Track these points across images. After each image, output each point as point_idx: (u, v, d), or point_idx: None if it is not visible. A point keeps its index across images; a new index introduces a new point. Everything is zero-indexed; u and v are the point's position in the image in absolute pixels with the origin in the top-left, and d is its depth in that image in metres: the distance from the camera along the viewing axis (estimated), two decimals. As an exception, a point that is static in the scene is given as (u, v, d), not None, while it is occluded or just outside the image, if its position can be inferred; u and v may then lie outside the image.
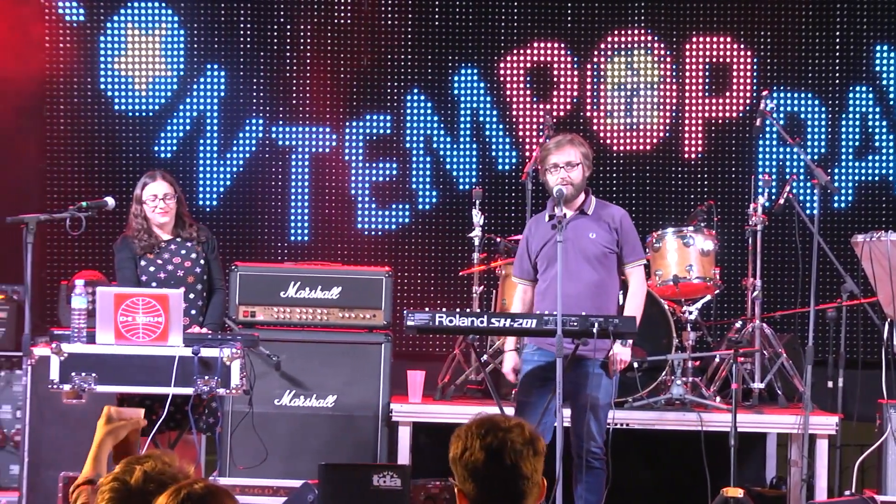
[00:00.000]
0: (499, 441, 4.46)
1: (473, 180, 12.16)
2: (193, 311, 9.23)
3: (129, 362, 8.50)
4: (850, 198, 11.98)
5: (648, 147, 12.45)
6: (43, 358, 8.72)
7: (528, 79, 12.48)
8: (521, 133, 12.40)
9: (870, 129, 12.34)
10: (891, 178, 12.14)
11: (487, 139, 12.52)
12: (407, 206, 12.60)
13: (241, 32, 12.69)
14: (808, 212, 10.02)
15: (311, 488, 8.85)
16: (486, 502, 4.50)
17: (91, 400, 8.51)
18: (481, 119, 12.53)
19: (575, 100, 12.46)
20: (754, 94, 12.14)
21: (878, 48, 12.38)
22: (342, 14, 12.66)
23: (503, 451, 4.46)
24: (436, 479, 10.22)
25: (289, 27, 12.67)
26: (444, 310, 9.52)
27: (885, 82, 12.36)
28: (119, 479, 4.55)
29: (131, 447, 5.61)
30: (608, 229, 8.91)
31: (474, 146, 12.51)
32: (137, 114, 12.68)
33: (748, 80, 12.37)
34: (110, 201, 9.49)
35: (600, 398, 8.84)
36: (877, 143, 12.34)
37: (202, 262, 9.67)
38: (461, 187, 12.27)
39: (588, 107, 12.44)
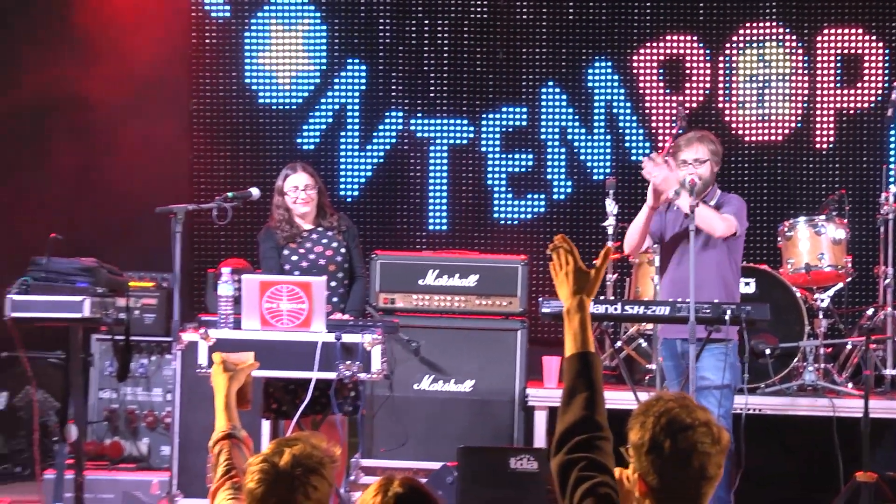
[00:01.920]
0: (689, 444, 4.44)
1: (607, 170, 12.20)
2: (335, 299, 9.39)
3: (274, 347, 8.60)
4: None
5: (780, 138, 12.38)
6: (191, 343, 8.86)
7: (661, 71, 12.50)
8: (654, 124, 12.43)
9: None
10: None
11: (621, 130, 12.55)
12: (542, 196, 12.66)
13: (381, 27, 12.81)
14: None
15: (450, 470, 8.90)
16: (666, 495, 4.52)
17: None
18: (615, 111, 12.55)
19: (707, 91, 12.44)
20: (886, 85, 12.03)
21: None
22: (478, 9, 12.73)
23: (692, 454, 4.42)
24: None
25: (426, 22, 12.76)
26: (579, 294, 9.52)
27: None
28: (268, 461, 4.58)
29: (249, 388, 5.84)
30: (725, 207, 8.98)
31: (608, 137, 12.54)
32: (281, 107, 12.87)
33: (880, 71, 12.26)
34: (255, 192, 9.63)
35: (729, 380, 8.90)
36: None
37: (343, 250, 9.78)
38: (595, 177, 12.30)
39: (720, 98, 12.42)
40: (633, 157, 12.27)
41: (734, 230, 8.86)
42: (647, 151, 12.07)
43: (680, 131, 9.96)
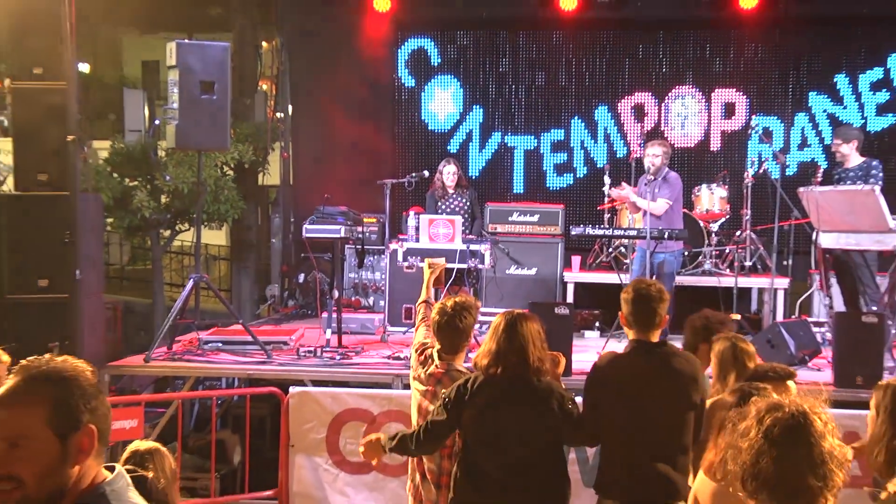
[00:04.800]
0: (646, 289, 4.68)
1: (605, 161, 12.12)
2: (464, 228, 9.63)
3: (436, 251, 8.86)
4: (795, 169, 11.69)
5: (693, 145, 12.29)
6: (394, 250, 9.19)
7: (633, 111, 12.40)
8: (628, 138, 12.30)
9: (808, 136, 12.11)
10: (815, 158, 11.88)
11: (612, 141, 12.45)
12: (571, 175, 12.60)
13: (490, 89, 12.80)
14: (774, 176, 9.97)
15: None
16: (637, 319, 4.69)
17: (418, 271, 8.87)
18: (608, 132, 12.45)
19: (656, 122, 12.34)
20: (747, 117, 11.94)
21: (811, 94, 12.17)
22: (540, 78, 12.67)
23: (650, 293, 4.67)
24: (585, 310, 10.49)
25: (513, 85, 12.75)
26: (590, 225, 9.72)
27: (815, 110, 12.15)
28: (443, 303, 4.93)
29: (441, 276, 5.99)
30: (663, 186, 9.14)
31: (605, 145, 12.45)
32: (439, 131, 12.87)
33: (744, 110, 12.12)
34: (426, 173, 9.91)
35: (666, 269, 9.10)
36: (808, 142, 12.08)
37: (469, 203, 10.14)
38: (599, 165, 12.19)
39: (662, 125, 12.34)
40: (618, 155, 12.23)
41: (665, 209, 9.08)
42: (625, 151, 12.13)
43: (641, 143, 10.05)
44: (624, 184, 9.63)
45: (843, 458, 2.48)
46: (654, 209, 9.01)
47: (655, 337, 4.68)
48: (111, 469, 2.29)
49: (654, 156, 9.25)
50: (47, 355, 2.27)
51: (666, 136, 12.00)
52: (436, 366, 4.97)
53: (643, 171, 9.56)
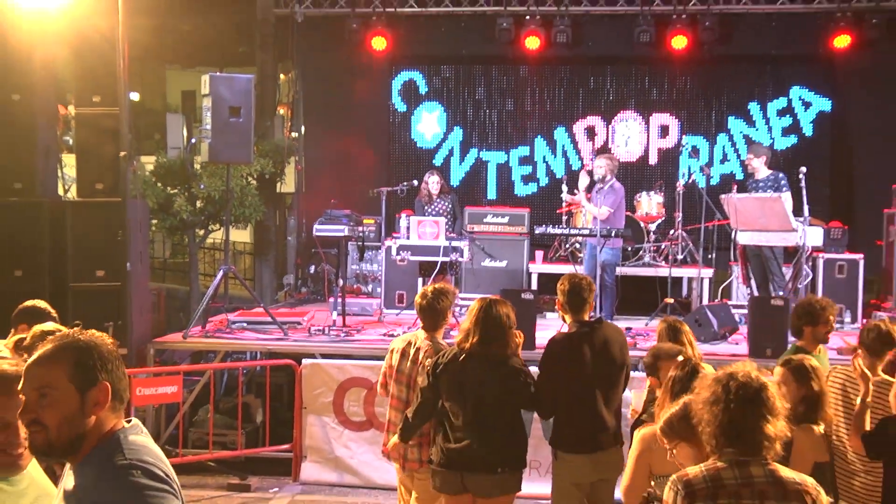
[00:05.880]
0: (578, 282, 4.73)
1: (563, 172, 12.12)
2: (447, 227, 9.54)
3: (424, 246, 8.83)
4: (718, 180, 11.81)
5: (635, 160, 12.32)
6: (389, 245, 9.08)
7: (585, 131, 12.44)
8: (581, 154, 12.34)
9: (728, 152, 12.20)
10: (734, 171, 11.98)
11: (568, 157, 12.48)
12: (535, 184, 12.60)
13: (468, 113, 12.79)
14: (700, 185, 9.98)
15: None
16: (571, 306, 4.74)
17: (409, 263, 8.87)
18: (565, 149, 12.48)
19: (604, 140, 12.37)
20: (679, 137, 12.02)
21: (730, 118, 12.20)
22: (509, 105, 12.68)
23: (581, 286, 4.72)
24: (547, 295, 10.47)
25: (487, 110, 12.74)
26: (551, 225, 9.72)
27: (733, 132, 12.21)
28: (424, 289, 4.91)
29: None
30: (609, 193, 9.09)
31: (563, 160, 12.48)
32: (426, 147, 12.85)
33: (676, 130, 12.19)
34: (415, 182, 9.90)
35: (609, 261, 9.02)
36: (728, 158, 12.17)
37: (451, 206, 10.07)
38: (557, 176, 12.21)
39: (610, 143, 12.36)
40: (573, 167, 12.23)
41: (607, 215, 8.94)
42: (579, 164, 12.13)
43: (593, 157, 10.06)
44: (577, 192, 9.64)
45: (786, 411, 2.70)
46: (599, 214, 9.05)
47: (587, 317, 4.81)
48: (129, 421, 2.35)
49: (598, 167, 9.25)
50: (76, 328, 2.35)
51: (612, 152, 12.02)
52: (421, 341, 4.98)
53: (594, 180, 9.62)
